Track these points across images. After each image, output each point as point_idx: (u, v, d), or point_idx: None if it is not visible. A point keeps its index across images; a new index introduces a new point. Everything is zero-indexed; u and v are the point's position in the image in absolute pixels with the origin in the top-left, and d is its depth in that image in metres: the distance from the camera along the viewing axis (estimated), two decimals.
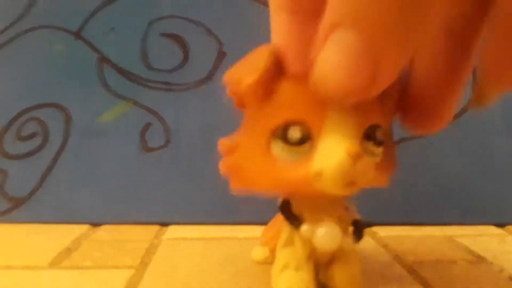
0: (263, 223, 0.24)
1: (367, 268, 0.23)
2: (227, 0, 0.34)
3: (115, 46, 0.35)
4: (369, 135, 0.16)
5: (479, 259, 0.24)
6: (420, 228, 0.30)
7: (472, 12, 0.16)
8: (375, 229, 0.30)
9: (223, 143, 0.18)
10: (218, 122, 0.33)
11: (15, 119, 0.33)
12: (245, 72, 0.16)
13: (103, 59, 0.34)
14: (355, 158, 0.15)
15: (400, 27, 0.12)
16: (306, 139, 0.16)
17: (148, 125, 0.33)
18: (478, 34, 0.16)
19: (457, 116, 0.33)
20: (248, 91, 0.16)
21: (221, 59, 0.34)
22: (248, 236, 0.28)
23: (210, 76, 0.34)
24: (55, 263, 0.24)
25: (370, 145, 0.16)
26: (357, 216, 0.20)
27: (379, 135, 0.16)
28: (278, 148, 0.16)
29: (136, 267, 0.23)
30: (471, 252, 0.25)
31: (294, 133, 0.16)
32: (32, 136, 0.33)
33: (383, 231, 0.29)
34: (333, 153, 0.15)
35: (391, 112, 0.19)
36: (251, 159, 0.17)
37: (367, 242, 0.27)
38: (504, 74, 0.15)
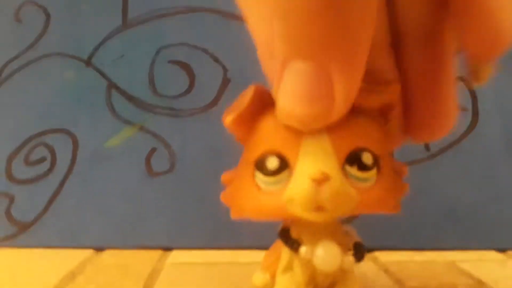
0: (266, 247, 0.25)
1: None
2: (233, 28, 0.35)
3: (124, 73, 0.36)
4: (352, 160, 0.16)
5: (480, 285, 0.24)
6: (422, 253, 0.30)
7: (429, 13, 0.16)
8: (377, 254, 0.30)
9: (224, 175, 0.19)
10: (222, 147, 0.33)
11: (24, 144, 0.34)
12: (229, 111, 0.18)
13: (112, 85, 0.35)
14: (319, 182, 0.15)
15: (345, 46, 0.13)
16: (284, 168, 0.16)
17: (153, 150, 0.34)
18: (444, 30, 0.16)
19: (459, 141, 0.33)
20: (230, 128, 0.18)
21: (226, 85, 0.35)
22: (250, 261, 0.28)
23: (215, 102, 0.35)
24: None
25: (354, 170, 0.16)
26: (358, 239, 0.20)
27: (366, 159, 0.17)
28: (259, 179, 0.17)
29: None
30: (472, 277, 0.25)
31: (271, 164, 0.17)
32: (40, 161, 0.33)
33: (384, 256, 0.29)
34: (299, 180, 0.16)
35: (391, 136, 0.19)
36: (240, 191, 0.18)
37: (368, 267, 0.27)
38: (484, 42, 0.15)
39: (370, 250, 0.30)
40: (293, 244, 0.19)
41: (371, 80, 0.16)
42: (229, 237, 0.31)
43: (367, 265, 0.27)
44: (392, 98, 0.17)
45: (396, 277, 0.25)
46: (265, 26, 0.15)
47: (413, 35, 0.17)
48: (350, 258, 0.18)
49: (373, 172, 0.17)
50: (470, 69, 0.17)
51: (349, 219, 0.30)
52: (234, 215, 0.19)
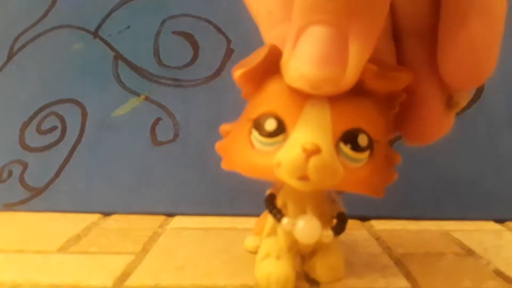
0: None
1: (354, 259, 0.23)
2: None
3: (130, 44, 0.37)
4: (347, 139, 0.17)
5: (469, 253, 0.25)
6: (418, 223, 0.30)
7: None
8: (373, 222, 0.30)
9: (222, 127, 0.20)
10: (225, 118, 0.34)
11: (36, 114, 0.35)
12: (241, 65, 0.18)
13: (119, 56, 0.36)
14: (309, 153, 0.16)
15: (365, 12, 0.14)
16: (280, 132, 0.17)
17: (158, 120, 0.35)
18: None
19: (462, 111, 0.33)
20: (238, 82, 0.18)
21: (229, 56, 0.36)
22: (247, 227, 0.29)
23: (218, 73, 0.35)
24: (63, 248, 0.25)
25: (347, 149, 0.17)
26: (342, 209, 0.21)
27: (362, 141, 0.17)
28: (254, 137, 0.17)
29: (136, 253, 0.25)
30: (462, 246, 0.26)
31: (269, 125, 0.17)
32: (51, 130, 0.35)
33: (379, 225, 0.30)
34: (291, 147, 0.16)
35: (390, 123, 0.19)
36: (235, 144, 0.18)
37: (361, 234, 0.28)
38: (459, 74, 0.16)
39: (366, 218, 0.31)
40: (276, 215, 0.19)
41: (385, 66, 0.16)
42: (229, 204, 0.32)
43: (360, 233, 0.28)
44: (401, 86, 0.17)
45: (386, 245, 0.26)
46: None
47: (410, 30, 0.17)
48: (329, 232, 0.19)
49: (365, 154, 0.17)
50: (445, 95, 0.17)
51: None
52: (224, 166, 0.19)
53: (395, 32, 0.18)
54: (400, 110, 0.18)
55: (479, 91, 0.33)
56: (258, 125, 0.17)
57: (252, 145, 0.18)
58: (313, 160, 0.16)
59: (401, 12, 0.17)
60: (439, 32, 0.16)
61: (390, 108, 0.18)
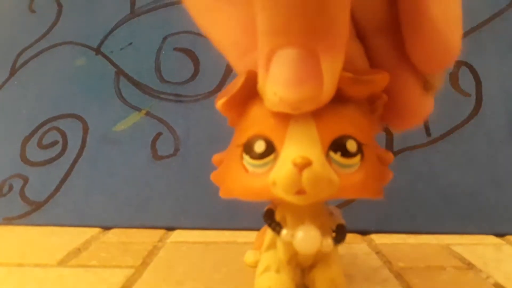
0: None
1: (354, 272, 0.23)
2: None
3: (132, 60, 0.37)
4: (336, 147, 0.17)
5: (469, 266, 0.25)
6: (418, 236, 0.30)
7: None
8: (373, 236, 0.30)
9: (215, 157, 0.20)
10: (224, 133, 0.34)
11: (37, 128, 0.36)
12: (222, 94, 0.18)
13: (120, 72, 0.37)
14: (300, 167, 0.16)
15: (328, 29, 0.14)
16: (270, 152, 0.17)
17: (159, 134, 0.35)
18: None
19: (461, 125, 0.33)
20: (221, 111, 0.18)
21: (230, 72, 0.36)
22: (247, 241, 0.29)
23: (218, 89, 0.36)
24: (63, 262, 0.25)
25: (338, 157, 0.17)
26: (342, 221, 0.21)
27: (350, 146, 0.17)
28: (246, 161, 0.18)
29: (136, 267, 0.25)
30: (463, 259, 0.26)
31: (258, 147, 0.17)
32: (52, 144, 0.35)
33: (380, 239, 0.30)
34: (283, 164, 0.17)
35: (376, 123, 0.19)
36: (229, 171, 0.19)
37: (361, 248, 0.28)
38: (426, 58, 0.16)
39: (366, 232, 0.31)
40: (275, 227, 0.19)
41: (359, 71, 0.17)
42: (229, 218, 0.32)
43: (360, 246, 0.28)
44: (379, 88, 0.17)
45: (386, 258, 0.26)
46: (231, 29, 0.16)
47: (373, 29, 0.18)
48: (329, 241, 0.19)
49: (356, 159, 0.17)
50: (421, 79, 0.17)
51: (346, 203, 0.31)
52: (223, 195, 0.19)
53: (360, 33, 0.18)
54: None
55: (478, 105, 0.34)
56: (248, 149, 0.18)
57: (246, 170, 0.18)
58: (306, 173, 0.16)
59: (360, 13, 0.17)
60: (401, 24, 0.16)
61: (372, 110, 0.18)
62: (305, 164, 0.16)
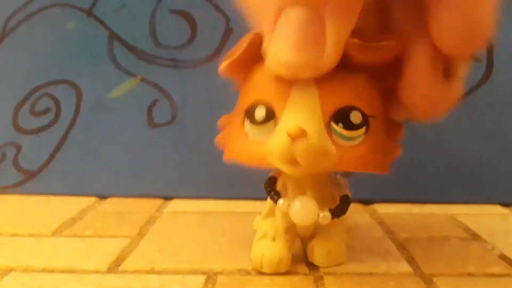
0: (263, 198, 0.25)
1: (356, 243, 0.23)
2: None
3: (125, 23, 0.35)
4: (338, 118, 0.16)
5: (474, 237, 0.24)
6: (422, 206, 0.29)
7: None
8: (376, 206, 0.30)
9: (220, 119, 0.20)
10: (223, 99, 0.33)
11: (29, 95, 0.34)
12: (226, 57, 0.18)
13: (114, 36, 0.35)
14: (294, 137, 0.15)
15: None
16: (270, 119, 0.17)
17: (155, 101, 0.34)
18: None
19: (470, 92, 0.32)
20: (224, 74, 0.18)
21: (228, 35, 0.34)
22: (245, 211, 0.28)
23: (217, 53, 0.34)
24: (58, 232, 0.25)
25: (340, 128, 0.16)
26: (347, 192, 0.20)
27: (354, 118, 0.16)
28: (247, 127, 0.17)
29: (132, 237, 0.24)
30: (467, 230, 0.25)
31: (259, 113, 0.17)
32: (45, 111, 0.34)
33: (383, 208, 0.29)
34: (279, 133, 0.16)
35: (385, 95, 0.18)
36: (232, 136, 0.18)
37: (364, 218, 0.27)
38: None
39: (369, 202, 0.30)
40: (273, 196, 0.19)
41: (370, 37, 0.16)
42: (227, 187, 0.31)
43: (363, 217, 0.27)
44: (390, 55, 0.16)
45: (389, 229, 0.25)
46: None
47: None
48: (326, 214, 0.18)
49: (360, 131, 0.16)
50: (445, 67, 0.16)
51: (347, 173, 0.30)
52: (225, 158, 0.19)
53: (382, 4, 0.17)
54: (395, 82, 0.17)
55: (488, 73, 0.32)
56: (249, 114, 0.17)
57: (246, 136, 0.18)
58: (300, 144, 0.16)
59: None
60: None
61: (384, 80, 0.17)
62: (299, 135, 0.15)
